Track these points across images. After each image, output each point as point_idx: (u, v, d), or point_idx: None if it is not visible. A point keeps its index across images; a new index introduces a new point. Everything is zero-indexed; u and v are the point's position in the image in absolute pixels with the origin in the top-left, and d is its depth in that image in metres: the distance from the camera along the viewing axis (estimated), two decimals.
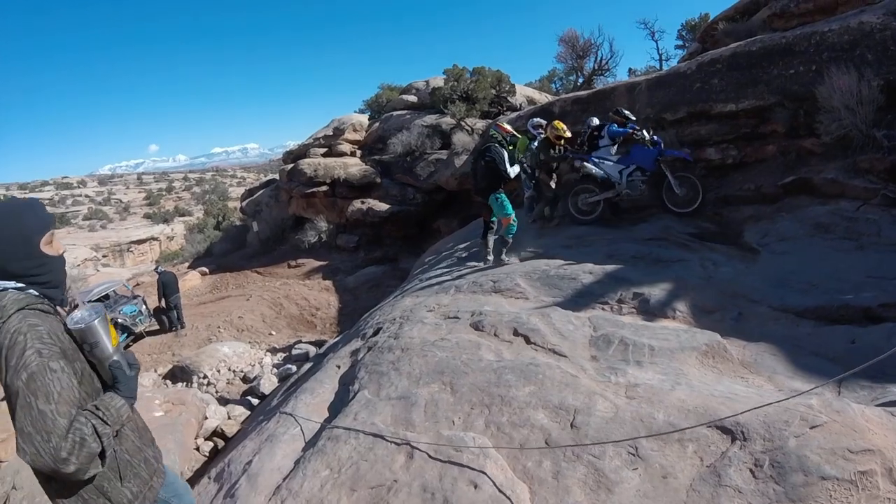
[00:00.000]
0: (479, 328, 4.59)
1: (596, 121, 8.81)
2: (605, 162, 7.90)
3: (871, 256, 4.98)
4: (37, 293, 1.79)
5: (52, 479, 1.71)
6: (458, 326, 4.76)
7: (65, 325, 1.80)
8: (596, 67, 22.37)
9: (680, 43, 22.58)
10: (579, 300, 5.03)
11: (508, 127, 7.35)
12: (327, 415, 4.06)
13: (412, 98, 21.64)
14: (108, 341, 1.81)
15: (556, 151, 8.45)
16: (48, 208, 1.62)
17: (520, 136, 8.41)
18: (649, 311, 4.59)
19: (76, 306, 10.50)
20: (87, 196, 69.20)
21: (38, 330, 1.64)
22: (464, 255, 8.41)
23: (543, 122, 9.10)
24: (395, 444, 3.09)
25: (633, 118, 8.13)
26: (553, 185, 8.71)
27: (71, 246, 40.58)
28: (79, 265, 34.30)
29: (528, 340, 4.16)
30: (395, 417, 3.42)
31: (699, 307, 4.52)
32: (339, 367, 5.04)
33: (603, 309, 4.78)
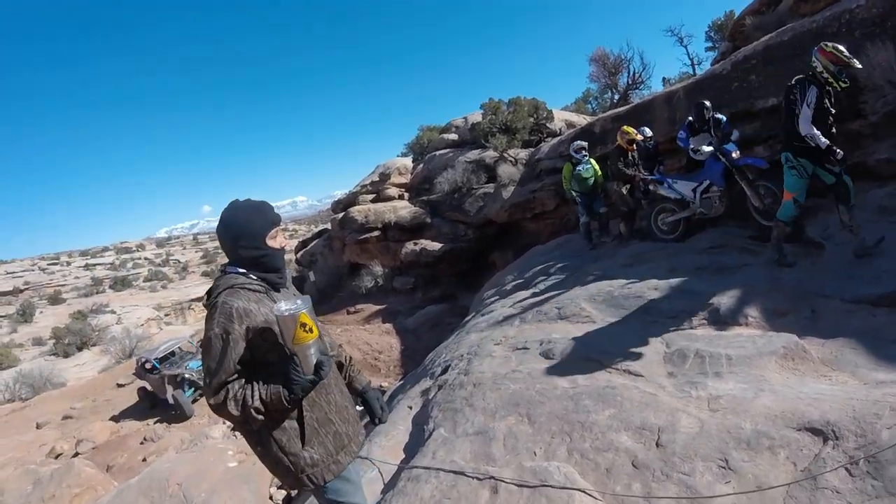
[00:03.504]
0: (549, 356, 4.61)
1: (649, 131, 8.72)
2: (679, 181, 7.71)
3: None
4: (255, 277, 2.18)
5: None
6: (527, 357, 4.78)
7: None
8: (630, 82, 22.21)
9: (710, 45, 22.14)
10: (648, 318, 5.00)
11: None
12: (403, 456, 4.09)
13: (453, 136, 21.89)
14: (293, 336, 1.96)
15: (631, 158, 8.41)
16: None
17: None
18: (721, 320, 4.52)
19: (144, 363, 10.89)
20: (146, 258, 72.32)
21: (227, 307, 2.01)
22: (522, 283, 8.43)
23: (585, 144, 9.07)
24: (478, 479, 3.09)
25: (711, 115, 7.37)
26: (629, 198, 8.60)
27: (133, 307, 42.10)
28: (142, 325, 35.54)
29: (601, 364, 4.14)
30: (474, 453, 3.43)
31: (771, 310, 4.45)
32: (410, 407, 5.09)
33: (673, 324, 4.73)
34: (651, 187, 8.09)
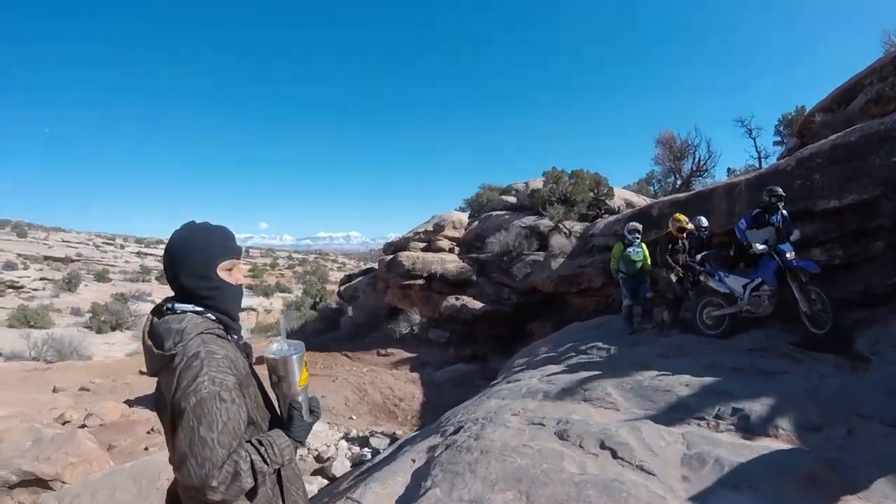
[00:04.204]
0: (563, 437, 4.42)
1: (704, 221, 8.52)
2: (730, 276, 7.47)
3: None
4: (214, 318, 1.81)
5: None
6: (542, 433, 4.60)
7: (246, 352, 1.87)
8: (694, 168, 22.05)
9: (778, 139, 21.68)
10: (673, 414, 4.77)
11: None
12: None
13: (511, 199, 22.01)
14: (298, 379, 1.81)
15: (681, 246, 8.24)
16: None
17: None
18: (749, 428, 4.28)
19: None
20: None
21: (215, 357, 1.66)
22: (553, 357, 8.22)
23: (640, 226, 8.94)
24: None
25: (783, 193, 7.10)
26: (677, 286, 8.34)
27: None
28: None
29: (614, 454, 3.96)
30: None
31: (804, 424, 4.19)
32: (414, 460, 4.97)
33: (699, 425, 4.51)
34: (702, 278, 7.89)
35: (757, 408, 4.50)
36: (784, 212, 7.12)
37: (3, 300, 35.80)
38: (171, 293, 1.86)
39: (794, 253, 6.65)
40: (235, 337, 1.90)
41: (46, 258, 54.35)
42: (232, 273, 1.89)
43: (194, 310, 1.79)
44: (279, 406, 1.86)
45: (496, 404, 5.97)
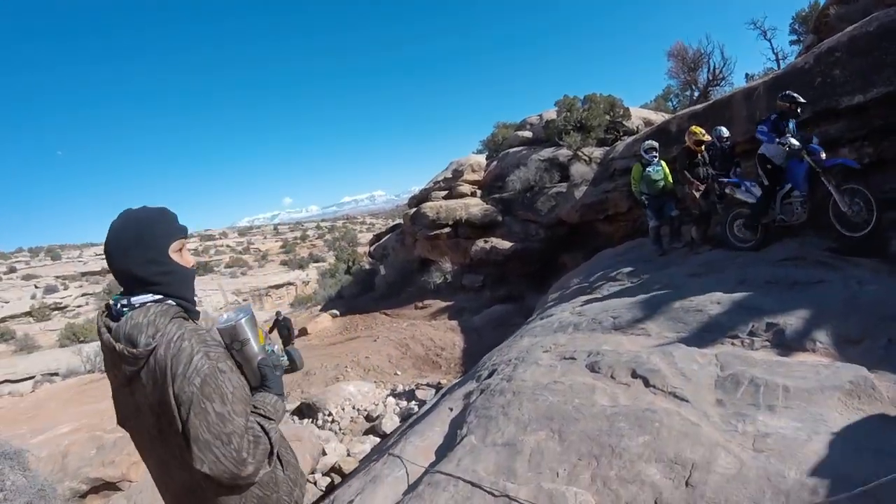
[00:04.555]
0: (595, 370, 4.30)
1: (725, 131, 8.17)
2: (757, 185, 7.18)
3: None
4: (174, 304, 1.71)
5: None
6: (573, 368, 4.50)
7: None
8: (710, 78, 21.11)
9: (794, 38, 20.62)
10: (706, 335, 4.58)
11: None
12: (433, 458, 3.96)
13: (527, 133, 21.60)
14: (256, 340, 1.78)
15: (700, 160, 7.94)
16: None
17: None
18: (785, 344, 4.06)
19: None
20: (227, 246, 75.21)
21: (199, 333, 1.62)
22: (585, 288, 8.10)
23: (656, 144, 8.58)
24: (493, 495, 2.93)
25: (802, 100, 6.71)
26: (703, 201, 8.02)
27: (214, 291, 43.81)
28: (221, 307, 36.94)
29: (646, 383, 3.81)
30: (497, 466, 3.24)
31: (843, 336, 3.95)
32: (451, 409, 4.94)
33: (732, 344, 4.31)
34: (728, 190, 7.58)
35: (792, 321, 4.27)
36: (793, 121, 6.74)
37: (51, 323, 36.96)
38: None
39: (824, 153, 6.32)
40: (196, 322, 1.79)
41: (84, 274, 55.78)
42: (182, 254, 1.79)
43: (153, 299, 1.67)
44: (248, 372, 1.78)
45: (528, 343, 5.88)
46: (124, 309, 1.65)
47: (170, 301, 1.71)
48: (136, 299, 1.66)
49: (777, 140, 6.55)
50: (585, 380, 4.15)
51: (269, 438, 1.61)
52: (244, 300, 45.70)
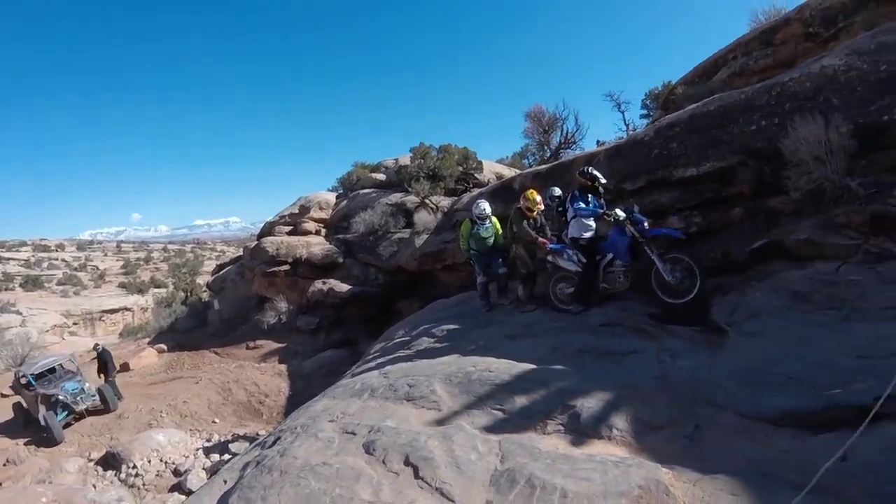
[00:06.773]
0: (369, 451, 3.93)
1: (557, 191, 8.34)
2: (579, 253, 7.23)
3: (859, 329, 4.23)
4: None
5: None
6: (349, 446, 4.11)
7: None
8: (562, 141, 22.30)
9: (644, 112, 22.50)
10: (497, 413, 4.30)
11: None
12: None
13: (381, 176, 21.53)
14: None
15: (532, 223, 7.92)
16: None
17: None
18: (579, 429, 3.76)
19: (21, 377, 9.99)
20: (63, 260, 69.11)
21: None
22: (406, 342, 7.91)
23: (487, 209, 8.49)
24: None
25: (604, 179, 7.23)
26: (529, 261, 8.08)
27: (41, 311, 39.38)
28: (47, 331, 33.12)
29: (416, 473, 3.46)
30: None
31: (645, 421, 3.69)
32: (225, 482, 4.45)
33: (523, 428, 3.99)
34: (549, 258, 7.65)
35: (591, 403, 4.01)
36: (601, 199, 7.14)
37: None
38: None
39: (648, 223, 6.57)
40: None
41: None
42: None
43: None
44: None
45: (322, 407, 5.46)
46: None
47: None
48: None
49: (602, 211, 6.77)
50: (357, 462, 3.79)
51: None
52: (74, 323, 41.34)
